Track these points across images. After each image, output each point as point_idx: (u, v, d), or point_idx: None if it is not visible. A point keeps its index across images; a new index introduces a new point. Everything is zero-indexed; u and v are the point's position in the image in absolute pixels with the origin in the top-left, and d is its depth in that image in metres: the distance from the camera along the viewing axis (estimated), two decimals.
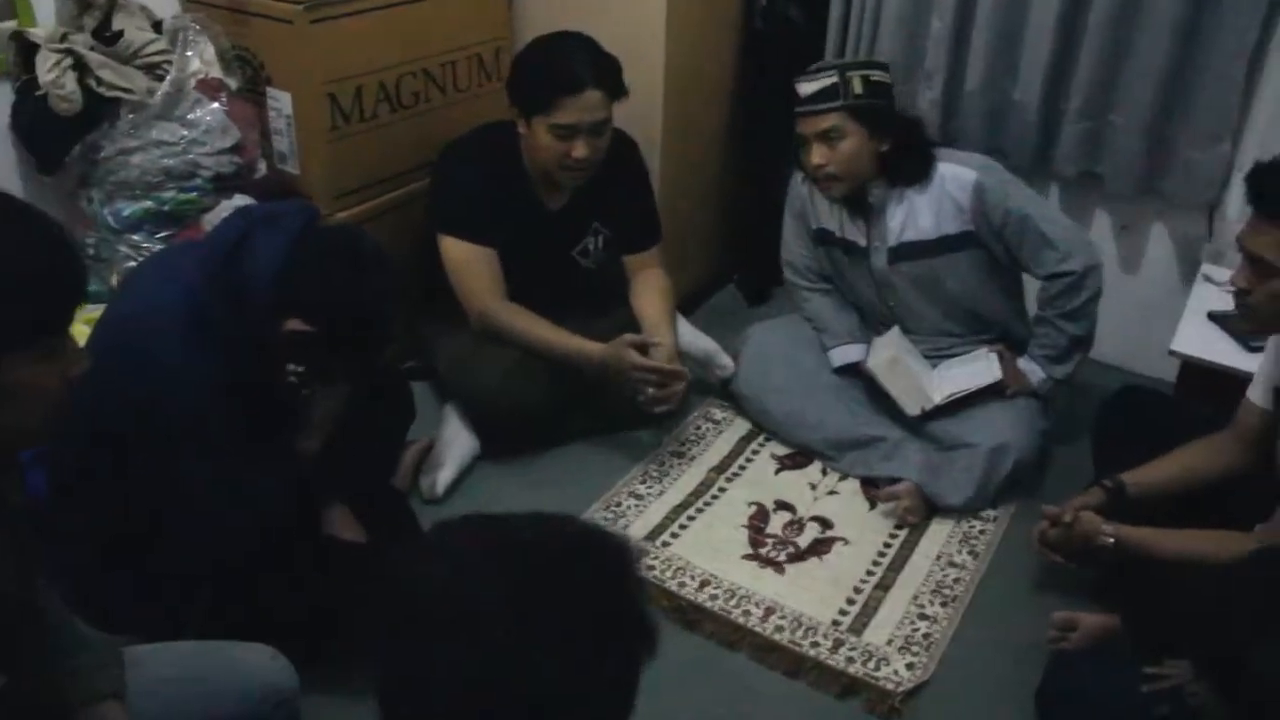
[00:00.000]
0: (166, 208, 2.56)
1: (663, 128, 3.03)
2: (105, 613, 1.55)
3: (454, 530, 0.93)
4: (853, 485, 2.70)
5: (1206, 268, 2.80)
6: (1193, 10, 2.68)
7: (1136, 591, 2.03)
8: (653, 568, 2.42)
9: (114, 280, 2.53)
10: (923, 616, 2.31)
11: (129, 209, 2.53)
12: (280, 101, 2.70)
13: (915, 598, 2.36)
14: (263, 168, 2.73)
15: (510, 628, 0.84)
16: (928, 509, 2.59)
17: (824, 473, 2.75)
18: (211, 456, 1.76)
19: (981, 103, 3.04)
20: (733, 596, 2.35)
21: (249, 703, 1.56)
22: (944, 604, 2.35)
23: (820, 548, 2.51)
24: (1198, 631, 1.42)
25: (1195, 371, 2.47)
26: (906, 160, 2.56)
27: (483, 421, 2.71)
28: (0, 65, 2.50)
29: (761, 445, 2.85)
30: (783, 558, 2.47)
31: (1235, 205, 2.78)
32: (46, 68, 2.41)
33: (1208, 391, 2.38)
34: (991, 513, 2.60)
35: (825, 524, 2.58)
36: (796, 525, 2.58)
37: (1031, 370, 2.64)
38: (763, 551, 2.49)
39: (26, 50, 2.47)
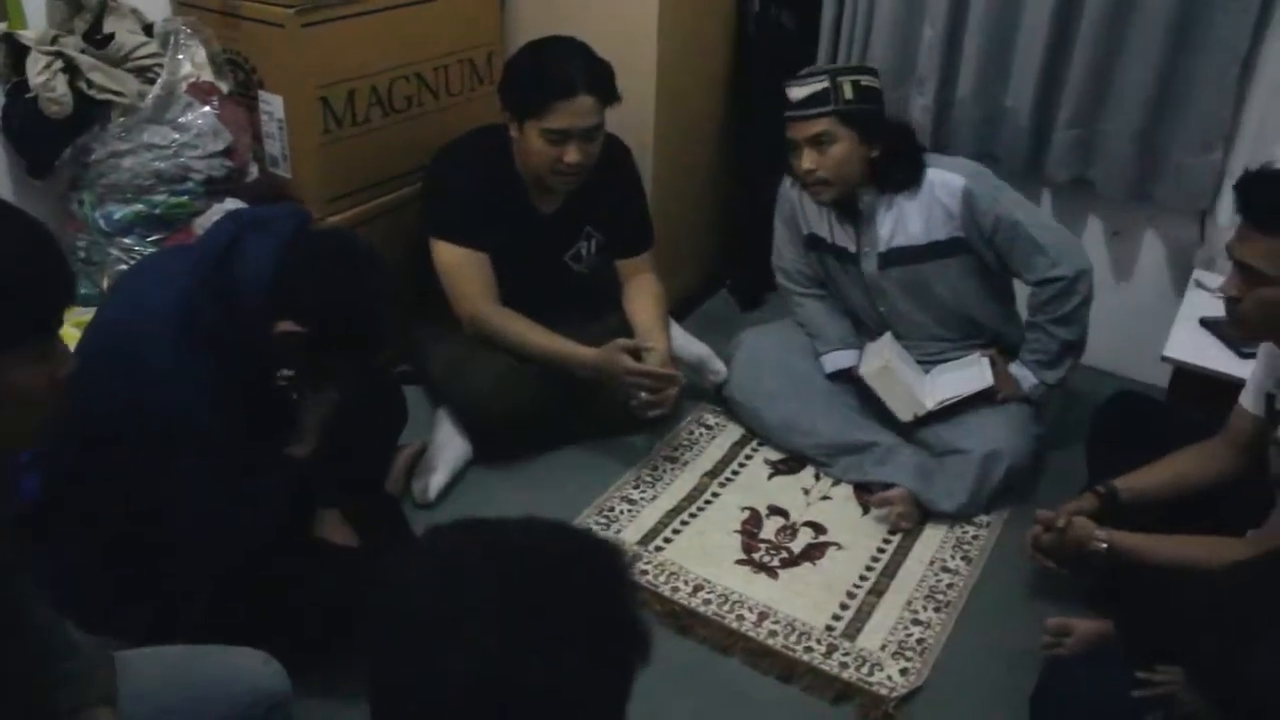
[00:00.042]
0: (158, 211, 2.55)
1: (655, 132, 3.03)
2: (97, 616, 1.54)
3: (446, 534, 0.93)
4: (846, 490, 2.70)
5: (1199, 273, 2.81)
6: (1184, 17, 2.69)
7: (1129, 597, 2.03)
8: (646, 572, 2.41)
9: (105, 283, 2.52)
10: (916, 622, 2.31)
11: (120, 212, 2.52)
12: (272, 105, 2.70)
13: (909, 603, 2.36)
14: (254, 171, 2.72)
15: (502, 632, 0.83)
16: (921, 514, 2.59)
17: (817, 478, 2.75)
18: (208, 457, 1.75)
19: (973, 109, 3.04)
20: (726, 601, 2.35)
21: (241, 707, 1.55)
22: (938, 609, 2.34)
23: (814, 553, 2.50)
24: (1190, 638, 1.41)
25: (1187, 377, 2.47)
26: (896, 166, 2.57)
27: (475, 426, 2.71)
28: None
29: (755, 450, 2.85)
30: (776, 563, 2.47)
31: (1227, 211, 2.79)
32: (37, 70, 2.40)
33: (1200, 397, 2.38)
34: (985, 518, 2.60)
35: (818, 529, 2.58)
36: (790, 530, 2.57)
37: (1023, 376, 2.64)
38: (756, 556, 2.49)
39: (17, 53, 2.46)
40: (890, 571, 2.45)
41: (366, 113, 2.78)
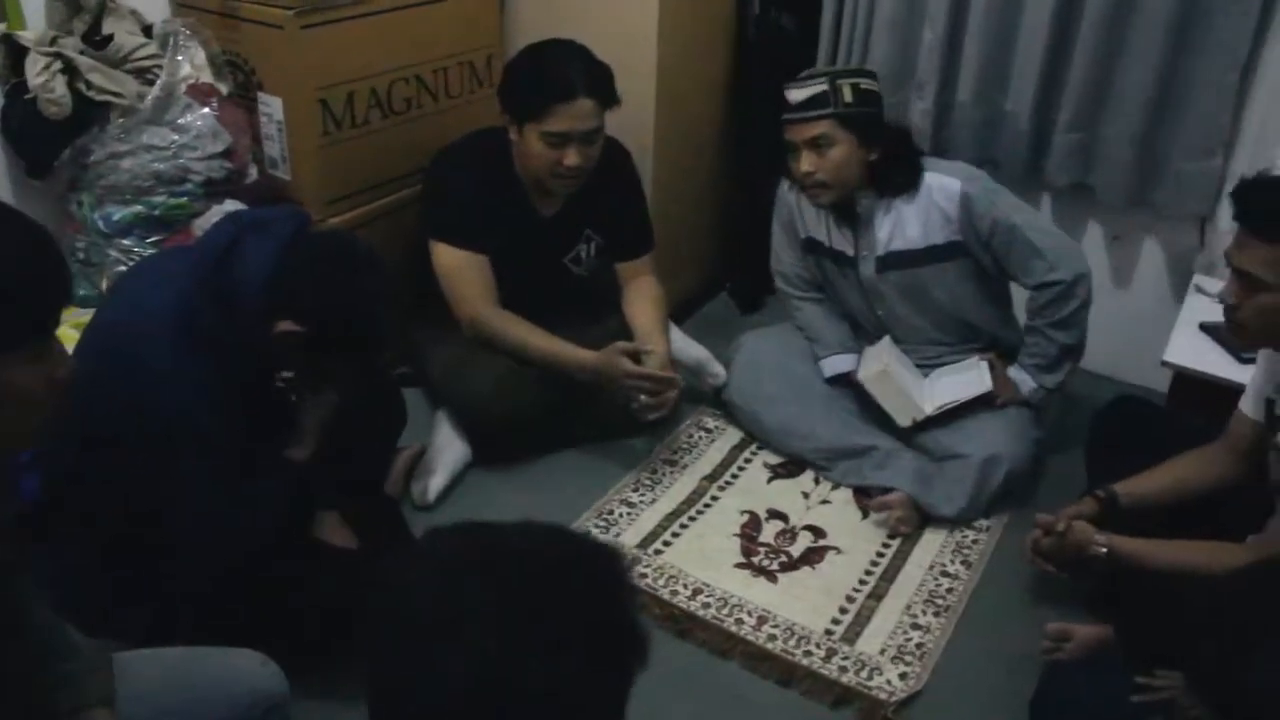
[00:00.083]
0: (157, 212, 2.55)
1: (655, 135, 3.03)
2: (97, 617, 1.54)
3: (445, 537, 0.93)
4: (845, 494, 2.70)
5: (1199, 278, 2.80)
6: (1185, 22, 2.69)
7: (1129, 602, 2.02)
8: (645, 576, 2.41)
9: (104, 285, 2.52)
10: (916, 626, 2.31)
11: (119, 213, 2.52)
12: (271, 107, 2.70)
13: (908, 607, 2.36)
14: (254, 173, 2.72)
15: (501, 634, 0.83)
16: (920, 519, 2.59)
17: (816, 482, 2.74)
18: (208, 459, 1.75)
19: (973, 113, 3.04)
20: (725, 605, 2.34)
21: (240, 709, 1.55)
22: (937, 614, 2.34)
23: (813, 557, 2.50)
24: (1190, 643, 1.41)
25: (1187, 382, 2.47)
26: (895, 170, 2.57)
27: (474, 428, 2.70)
28: None
29: (754, 454, 2.85)
30: (775, 566, 2.47)
31: (1227, 217, 2.74)
32: (36, 71, 2.40)
33: (1200, 402, 2.38)
34: (984, 522, 2.60)
35: (818, 533, 2.57)
36: (789, 534, 2.57)
37: (1022, 379, 2.64)
38: (755, 560, 2.48)
39: (16, 53, 2.45)
40: (890, 576, 2.45)
41: (366, 115, 2.78)
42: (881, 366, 2.65)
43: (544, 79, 2.53)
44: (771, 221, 2.87)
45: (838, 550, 2.52)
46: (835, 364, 2.81)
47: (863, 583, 2.43)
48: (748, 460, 2.83)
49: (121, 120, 2.49)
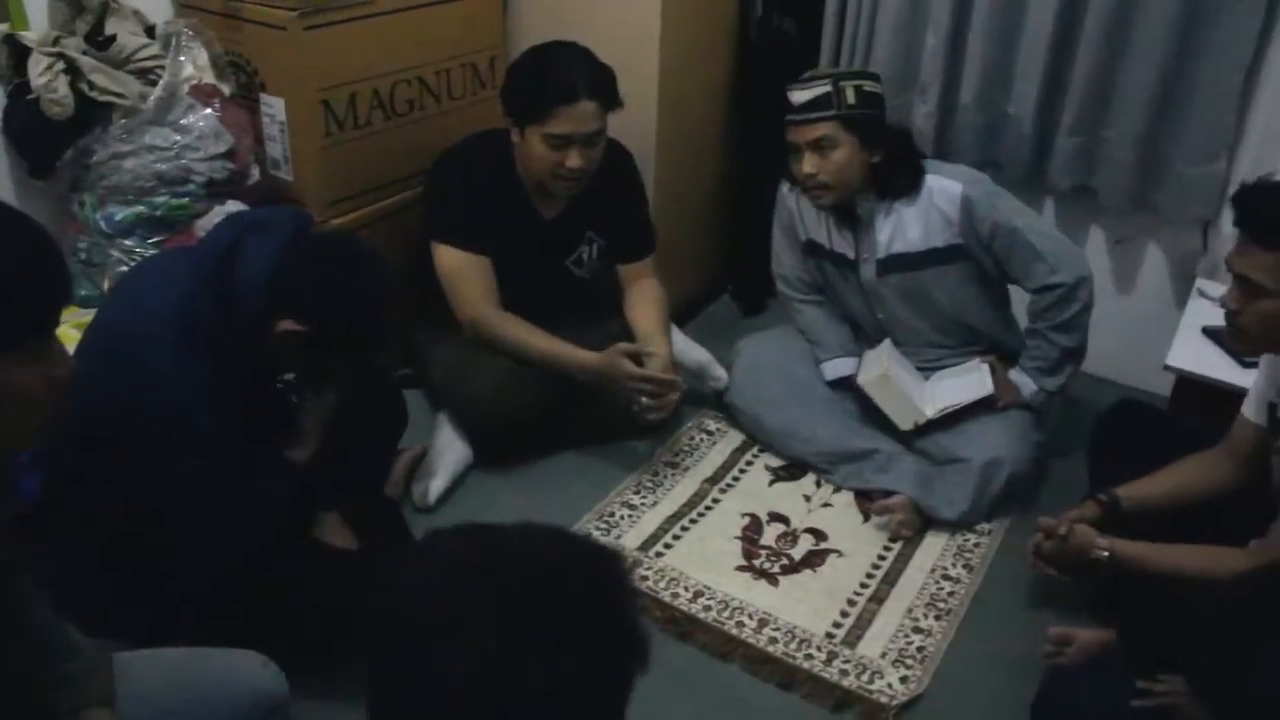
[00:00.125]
0: (159, 213, 2.55)
1: (657, 138, 3.03)
2: (97, 618, 1.53)
3: (446, 538, 0.93)
4: (847, 497, 2.69)
5: (1201, 282, 2.80)
6: (1188, 25, 2.69)
7: (1131, 606, 2.02)
8: (646, 578, 2.41)
9: (106, 285, 2.52)
10: (917, 629, 2.30)
11: (121, 214, 2.52)
12: (274, 108, 2.70)
13: (909, 611, 2.35)
14: (256, 174, 2.72)
15: (500, 635, 0.83)
16: (922, 522, 2.58)
17: (818, 484, 2.74)
18: (208, 459, 1.75)
19: (976, 116, 3.04)
20: (726, 608, 2.34)
21: (240, 709, 1.55)
22: (938, 617, 2.34)
23: (814, 560, 2.50)
24: (1192, 649, 1.41)
25: (1190, 386, 2.47)
26: (897, 172, 2.56)
27: (475, 430, 2.70)
28: None
29: (756, 456, 2.84)
30: (776, 569, 2.46)
31: (1230, 221, 2.78)
32: (38, 71, 2.40)
33: (1203, 406, 2.37)
34: (986, 526, 2.60)
35: (819, 536, 2.57)
36: (790, 537, 2.57)
37: (1023, 382, 2.63)
38: (756, 563, 2.48)
39: (18, 54, 2.46)
40: (891, 579, 2.45)
41: (368, 116, 2.78)
42: (881, 371, 2.64)
43: (546, 81, 2.52)
44: (773, 224, 2.87)
45: (839, 553, 2.52)
46: (836, 367, 2.81)
47: (864, 586, 2.43)
48: (749, 463, 2.82)
49: (124, 121, 2.49)
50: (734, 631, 2.28)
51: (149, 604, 1.82)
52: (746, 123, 3.32)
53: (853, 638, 2.28)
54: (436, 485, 2.58)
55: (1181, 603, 1.70)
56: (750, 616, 2.32)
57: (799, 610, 2.34)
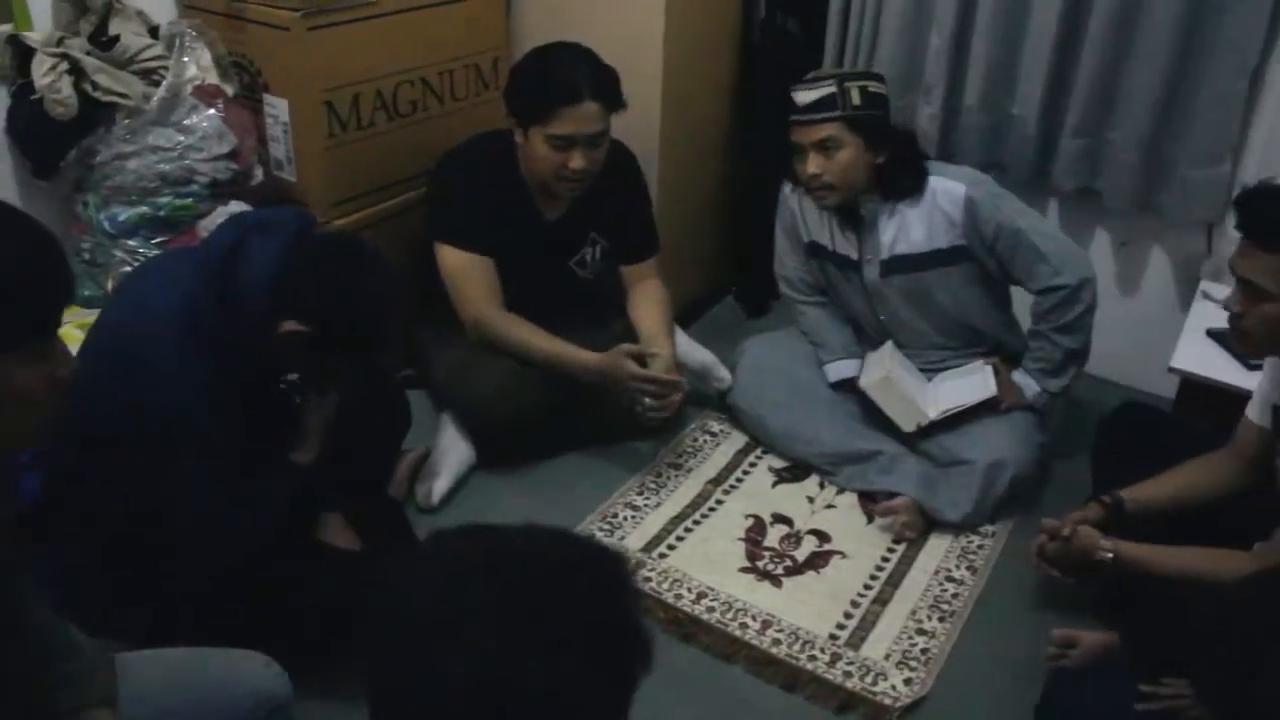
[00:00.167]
0: (162, 213, 2.55)
1: (661, 139, 3.03)
2: (97, 618, 1.53)
3: (449, 539, 0.93)
4: (850, 499, 2.69)
5: (1206, 284, 2.79)
6: (1193, 26, 2.68)
7: (1135, 609, 2.02)
8: (649, 579, 2.40)
9: (109, 285, 2.52)
10: (921, 631, 2.30)
11: (125, 214, 2.52)
12: (277, 108, 2.70)
13: (913, 612, 2.35)
14: (259, 174, 2.72)
15: (500, 636, 0.83)
16: (926, 524, 2.58)
17: (821, 486, 2.74)
18: (208, 459, 1.74)
19: (980, 117, 3.03)
20: (730, 609, 2.34)
21: (243, 710, 1.54)
22: (942, 619, 2.33)
23: (818, 561, 2.49)
24: (1197, 652, 1.40)
25: (1194, 388, 2.46)
26: (901, 174, 2.56)
27: (479, 430, 2.70)
28: None
29: (759, 458, 2.84)
30: (780, 571, 2.46)
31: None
32: (42, 72, 2.41)
33: (1207, 408, 2.37)
34: (990, 528, 2.59)
35: (823, 537, 2.57)
36: (794, 538, 2.56)
37: (1026, 384, 2.63)
38: (760, 564, 2.48)
39: (22, 54, 2.46)
40: (895, 581, 2.44)
41: (371, 117, 2.78)
42: (884, 373, 2.64)
43: (550, 82, 2.52)
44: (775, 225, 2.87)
45: (843, 555, 2.52)
46: (839, 369, 2.80)
47: (868, 588, 2.42)
48: (753, 464, 2.82)
49: (127, 121, 2.49)
50: (737, 633, 2.27)
51: (149, 604, 1.81)
52: (750, 124, 3.32)
53: (856, 639, 2.28)
54: (440, 486, 2.58)
55: (1185, 605, 1.70)
56: (754, 618, 2.32)
57: (802, 612, 2.34)
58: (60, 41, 2.46)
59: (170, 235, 2.57)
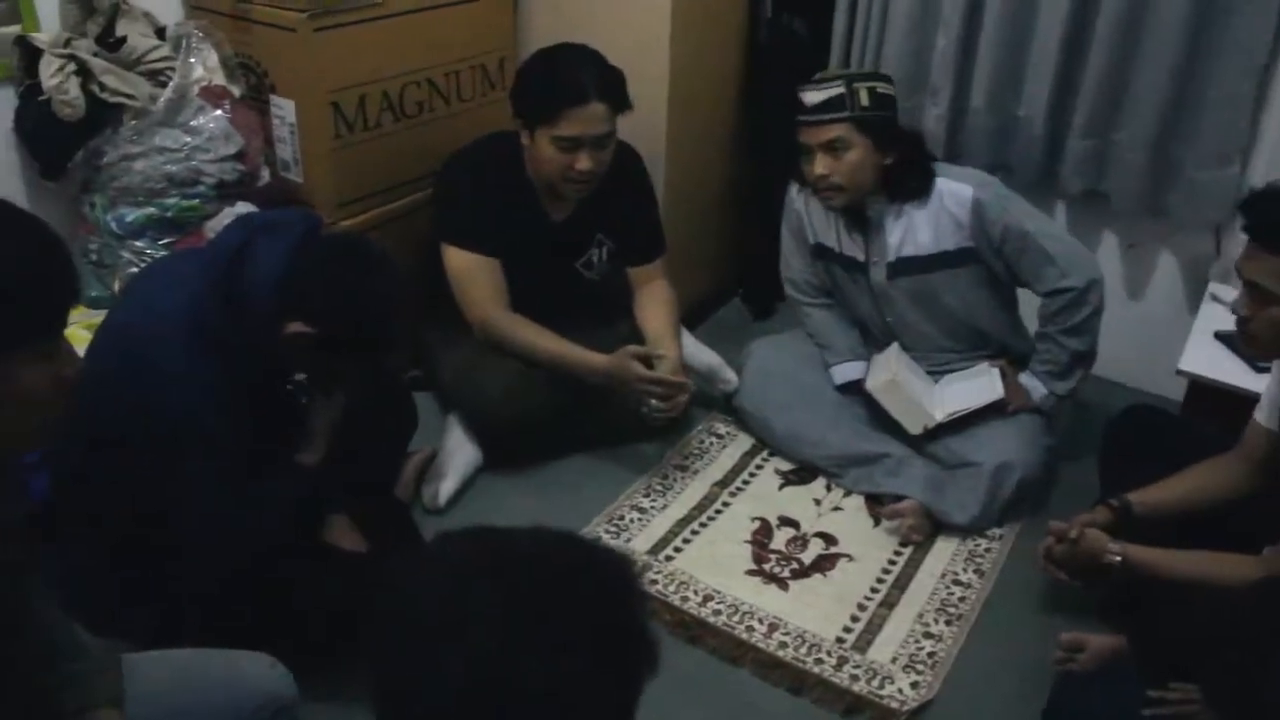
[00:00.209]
0: (169, 214, 2.55)
1: (667, 140, 3.03)
2: (104, 618, 1.54)
3: (455, 541, 0.93)
4: (857, 501, 2.69)
5: (1214, 286, 2.78)
6: (1200, 27, 2.67)
7: (1143, 612, 2.01)
8: (655, 582, 2.40)
9: (116, 286, 2.52)
10: (928, 635, 2.29)
11: (132, 215, 2.53)
12: (284, 109, 2.70)
13: (920, 616, 2.34)
14: (266, 175, 2.72)
15: (507, 637, 0.83)
16: (932, 526, 2.57)
17: (828, 489, 2.73)
18: (214, 460, 1.74)
19: (987, 119, 3.03)
20: (736, 612, 2.33)
21: (247, 711, 1.55)
22: (949, 622, 2.33)
23: (824, 564, 2.49)
24: (1206, 657, 1.40)
25: (1203, 391, 2.45)
26: (908, 175, 2.56)
27: (485, 432, 2.70)
28: (4, 70, 2.49)
29: (765, 460, 2.84)
30: (786, 573, 2.46)
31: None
32: (50, 73, 2.41)
33: (1215, 411, 2.36)
34: (997, 531, 2.58)
35: (829, 540, 2.56)
36: (800, 541, 2.56)
37: (1033, 386, 2.62)
38: (766, 567, 2.47)
39: (30, 55, 2.46)
40: (901, 584, 2.43)
41: (378, 118, 2.78)
42: (890, 376, 2.63)
43: (556, 83, 2.52)
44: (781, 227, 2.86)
45: (849, 558, 2.51)
46: (845, 371, 2.80)
47: (874, 591, 2.42)
48: (759, 466, 2.82)
49: (134, 122, 2.49)
50: (744, 636, 2.27)
51: (156, 605, 1.82)
52: (756, 125, 3.32)
53: (863, 643, 2.27)
54: (446, 487, 2.58)
55: (1194, 609, 1.70)
56: (760, 621, 2.31)
57: (809, 615, 2.33)
58: (68, 42, 2.46)
59: (177, 236, 2.57)
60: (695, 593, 2.38)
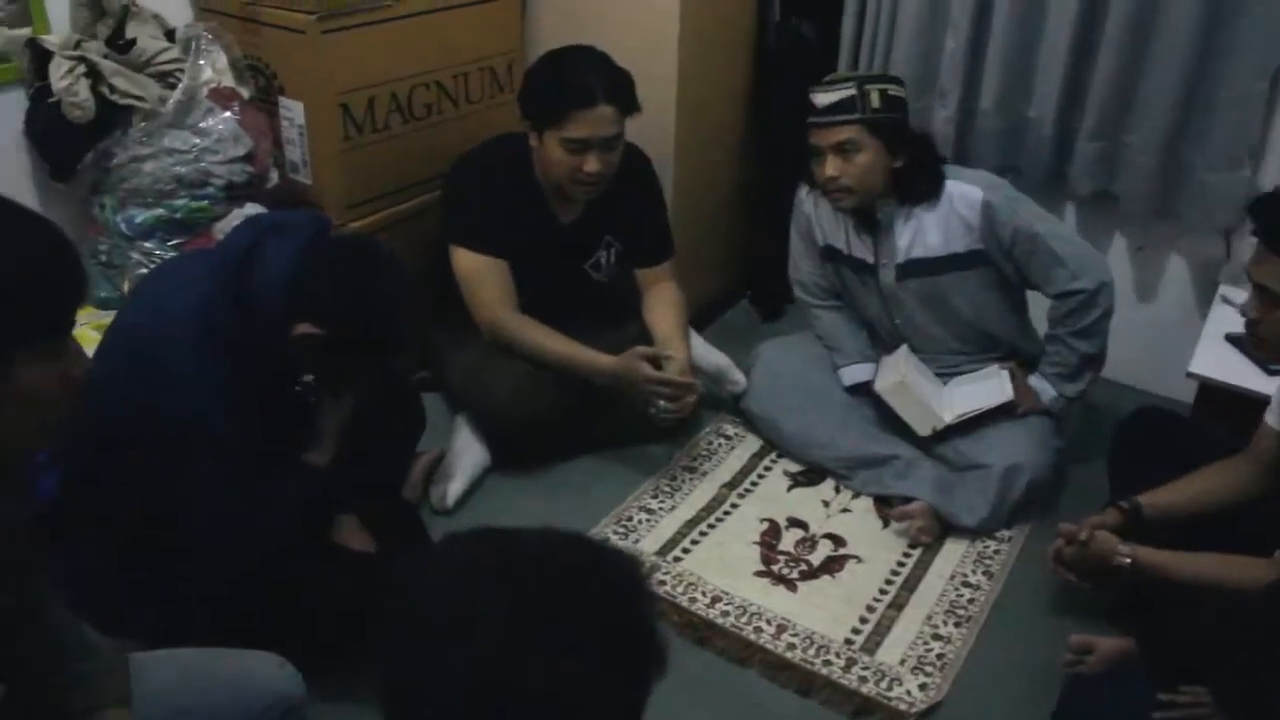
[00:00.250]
0: (178, 215, 2.56)
1: (675, 142, 3.03)
2: (112, 618, 1.54)
3: (463, 542, 0.93)
4: (866, 503, 2.68)
5: (1225, 289, 2.77)
6: (1211, 28, 2.66)
7: (1153, 615, 2.00)
8: (664, 583, 2.40)
9: (125, 287, 2.53)
10: (936, 636, 2.29)
11: (141, 216, 2.53)
12: (292, 111, 2.70)
13: (929, 617, 2.34)
14: (275, 177, 2.73)
15: (514, 638, 0.83)
16: (941, 528, 2.57)
17: (837, 490, 2.73)
18: (223, 461, 1.75)
19: (996, 121, 3.02)
20: (744, 613, 2.33)
21: (256, 711, 1.55)
22: (958, 624, 2.32)
23: (833, 565, 2.48)
24: (1217, 659, 1.39)
25: (1213, 393, 2.44)
26: (919, 177, 2.55)
27: (494, 433, 2.70)
28: (14, 72, 2.50)
29: (774, 461, 2.83)
30: (795, 575, 2.45)
31: None
32: (60, 75, 2.42)
33: (1226, 414, 2.35)
34: (1006, 533, 2.58)
35: (838, 541, 2.56)
36: (809, 542, 2.56)
37: (1043, 388, 2.62)
38: (775, 568, 2.47)
39: (41, 57, 2.47)
40: (910, 585, 2.43)
41: (386, 119, 2.78)
42: (899, 377, 2.63)
43: (564, 85, 2.52)
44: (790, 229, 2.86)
45: (858, 559, 2.51)
46: (854, 373, 2.79)
47: (883, 592, 2.41)
48: (768, 468, 2.81)
49: (144, 124, 2.50)
50: (752, 637, 2.27)
51: (164, 605, 1.82)
52: (765, 127, 3.32)
53: (872, 644, 2.27)
54: (454, 488, 2.58)
55: (1204, 612, 1.69)
56: (768, 622, 2.31)
57: (817, 616, 2.33)
58: (78, 45, 2.47)
59: (186, 237, 2.58)
60: (703, 594, 2.38)
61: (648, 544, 2.52)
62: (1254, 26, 2.62)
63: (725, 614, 2.32)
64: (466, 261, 2.64)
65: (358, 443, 2.02)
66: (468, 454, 2.67)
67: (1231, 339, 2.51)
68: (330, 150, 2.69)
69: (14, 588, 1.20)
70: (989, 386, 2.66)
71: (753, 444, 2.90)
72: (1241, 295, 2.35)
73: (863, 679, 2.17)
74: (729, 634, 2.27)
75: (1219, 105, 2.72)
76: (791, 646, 2.25)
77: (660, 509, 2.64)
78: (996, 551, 2.53)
